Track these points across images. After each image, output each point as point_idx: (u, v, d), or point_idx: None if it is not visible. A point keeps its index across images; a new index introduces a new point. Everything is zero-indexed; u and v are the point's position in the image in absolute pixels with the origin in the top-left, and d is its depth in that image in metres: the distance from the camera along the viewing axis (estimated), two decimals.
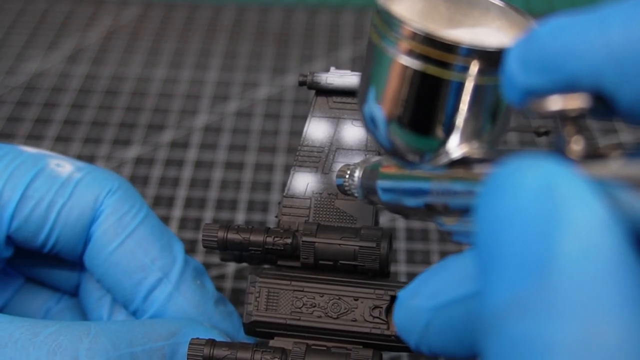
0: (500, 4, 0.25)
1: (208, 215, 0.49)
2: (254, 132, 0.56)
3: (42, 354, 0.28)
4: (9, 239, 0.33)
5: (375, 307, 0.31)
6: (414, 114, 0.23)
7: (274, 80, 0.61)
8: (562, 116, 0.18)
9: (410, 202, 0.25)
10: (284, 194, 0.33)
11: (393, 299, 0.31)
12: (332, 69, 0.33)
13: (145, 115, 0.57)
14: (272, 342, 0.31)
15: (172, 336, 0.31)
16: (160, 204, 0.50)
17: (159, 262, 0.33)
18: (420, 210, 0.25)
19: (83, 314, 0.37)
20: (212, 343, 0.30)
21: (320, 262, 0.32)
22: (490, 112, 0.23)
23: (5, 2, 0.70)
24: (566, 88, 0.18)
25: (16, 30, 0.66)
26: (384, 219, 0.49)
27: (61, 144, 0.54)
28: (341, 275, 0.32)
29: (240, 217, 0.49)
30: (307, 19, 0.68)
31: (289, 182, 0.33)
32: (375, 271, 0.31)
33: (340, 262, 0.31)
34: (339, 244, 0.31)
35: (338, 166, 0.33)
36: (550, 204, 0.16)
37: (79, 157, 0.52)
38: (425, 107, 0.23)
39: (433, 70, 0.22)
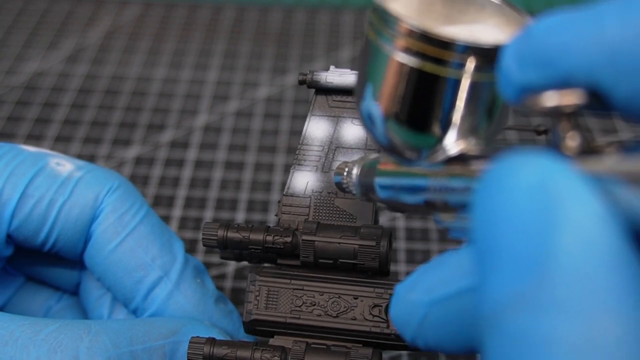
0: (497, 1, 0.25)
1: (208, 215, 0.49)
2: (254, 132, 0.56)
3: (43, 353, 0.28)
4: (10, 238, 0.33)
5: (375, 305, 0.31)
6: (411, 111, 0.24)
7: (274, 80, 0.61)
8: (557, 112, 0.19)
9: (408, 198, 0.25)
10: (284, 192, 0.33)
11: None
12: (332, 67, 0.33)
13: (145, 115, 0.57)
14: (272, 341, 0.31)
15: (172, 335, 0.31)
16: (160, 203, 0.50)
17: (159, 260, 0.33)
18: (418, 207, 0.25)
19: (83, 313, 0.37)
20: (212, 342, 0.30)
21: (320, 260, 0.32)
22: (487, 108, 0.24)
23: (5, 2, 0.70)
24: (561, 84, 0.18)
25: (16, 30, 0.66)
26: (384, 218, 0.49)
27: (61, 144, 0.54)
28: (341, 274, 0.32)
29: (240, 217, 0.49)
30: (307, 19, 0.68)
31: (288, 180, 0.33)
32: (375, 270, 0.31)
33: (340, 260, 0.31)
34: (339, 243, 0.31)
35: (338, 164, 0.33)
36: (546, 199, 0.17)
37: (79, 157, 0.52)
38: (422, 104, 0.23)
39: (430, 67, 0.23)
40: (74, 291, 0.37)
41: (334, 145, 0.34)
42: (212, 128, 0.56)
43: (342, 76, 0.33)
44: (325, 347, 0.31)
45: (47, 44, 0.64)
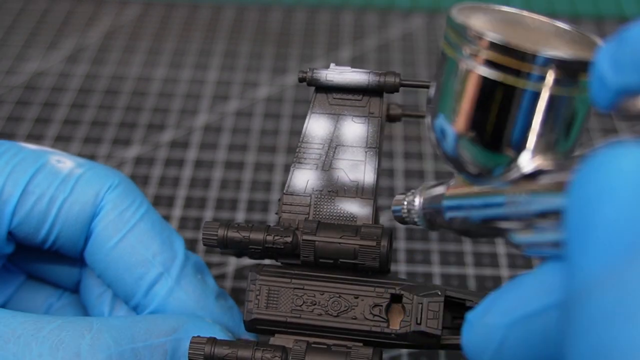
0: (568, 27, 0.25)
1: (208, 214, 0.49)
2: (254, 131, 0.56)
3: (45, 350, 0.28)
4: (10, 235, 0.33)
5: (376, 305, 0.31)
6: (488, 129, 0.24)
7: (274, 80, 0.61)
8: None
9: (482, 218, 0.25)
10: (284, 191, 0.33)
11: (393, 297, 0.31)
12: (332, 65, 0.33)
13: (145, 115, 0.57)
14: (272, 340, 0.31)
15: (173, 332, 0.31)
16: (161, 203, 0.50)
17: (159, 257, 0.33)
18: (492, 226, 0.25)
19: (84, 310, 0.37)
20: (213, 341, 0.30)
21: (321, 260, 0.31)
22: (565, 124, 0.24)
23: (5, 2, 0.70)
24: None
25: (16, 30, 0.66)
26: (384, 218, 0.49)
27: (61, 144, 0.54)
28: (342, 273, 0.31)
29: (240, 217, 0.49)
30: (307, 19, 0.68)
31: (289, 179, 0.33)
32: (375, 269, 0.31)
33: (341, 260, 0.31)
34: (339, 243, 0.31)
35: (338, 163, 0.33)
36: None
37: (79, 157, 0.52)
38: (500, 120, 0.23)
39: (511, 80, 0.23)
40: (75, 289, 0.37)
41: (334, 143, 0.33)
42: (212, 128, 0.56)
43: (343, 74, 0.33)
44: (325, 346, 0.31)
45: (47, 44, 0.64)
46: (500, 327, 0.21)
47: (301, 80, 0.33)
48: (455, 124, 0.24)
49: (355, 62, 0.63)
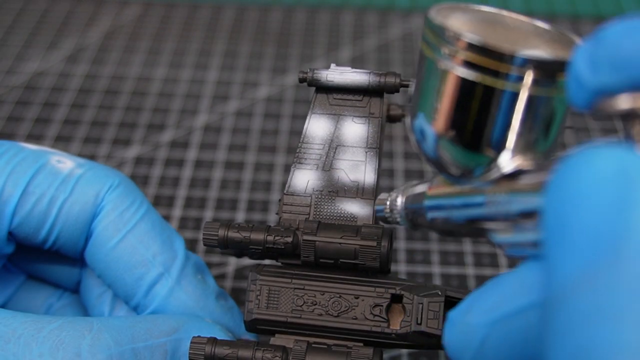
0: (548, 27, 0.25)
1: (208, 214, 0.49)
2: (254, 132, 0.56)
3: (45, 350, 0.28)
4: (11, 235, 0.33)
5: (376, 305, 0.31)
6: (467, 130, 0.24)
7: (274, 80, 0.61)
8: (631, 115, 0.19)
9: (463, 218, 0.25)
10: (285, 191, 0.33)
11: (393, 297, 0.31)
12: (333, 65, 0.33)
13: (145, 115, 0.57)
14: (272, 340, 0.31)
15: (174, 332, 0.31)
16: (161, 203, 0.50)
17: (160, 257, 0.33)
18: (473, 226, 0.25)
19: (84, 311, 0.37)
20: (213, 341, 0.30)
21: (321, 260, 0.31)
22: (545, 124, 0.24)
23: (5, 2, 0.70)
24: (637, 86, 0.19)
25: (16, 30, 0.66)
26: None
27: (61, 144, 0.54)
28: (342, 273, 0.31)
29: (240, 217, 0.49)
30: (307, 19, 0.68)
31: (289, 179, 0.33)
32: (376, 269, 0.31)
33: (341, 260, 0.31)
34: (340, 243, 0.31)
35: (339, 163, 0.33)
36: (626, 185, 0.17)
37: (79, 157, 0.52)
38: (478, 120, 0.23)
39: (489, 80, 0.23)
40: (75, 289, 0.37)
41: (334, 144, 0.33)
42: (212, 128, 0.56)
43: (343, 74, 0.33)
44: (326, 346, 0.31)
45: (47, 44, 0.64)
46: (481, 326, 0.21)
47: (302, 80, 0.33)
48: (434, 124, 0.24)
49: (355, 62, 0.63)
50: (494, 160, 0.24)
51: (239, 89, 0.60)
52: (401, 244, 0.47)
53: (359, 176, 0.33)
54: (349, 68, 0.33)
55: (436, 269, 0.45)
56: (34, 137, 0.54)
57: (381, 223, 0.32)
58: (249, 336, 0.34)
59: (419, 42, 0.26)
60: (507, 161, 0.24)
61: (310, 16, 0.69)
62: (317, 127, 0.34)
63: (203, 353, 0.30)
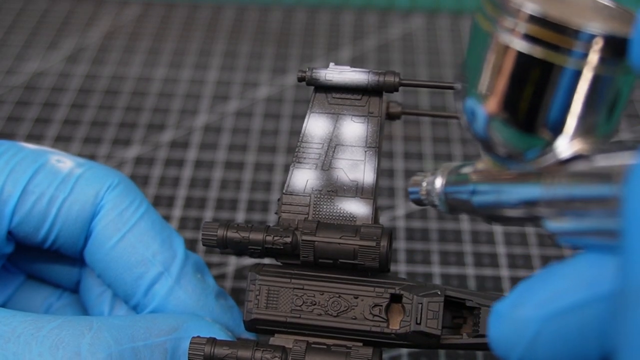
0: (608, 2, 0.23)
1: (208, 214, 0.49)
2: (254, 132, 0.56)
3: (45, 349, 0.28)
4: (10, 235, 0.33)
5: (375, 305, 0.31)
6: (523, 110, 0.22)
7: (274, 80, 0.61)
8: None
9: (515, 203, 0.23)
10: (284, 191, 0.33)
11: (393, 297, 0.31)
12: (332, 64, 0.33)
13: (145, 115, 0.57)
14: (272, 340, 0.31)
15: (174, 331, 0.31)
16: (161, 203, 0.50)
17: (159, 256, 0.33)
18: (525, 212, 0.23)
19: (84, 310, 0.37)
20: (212, 342, 0.30)
21: (320, 260, 0.31)
22: (607, 106, 0.22)
23: (5, 2, 0.70)
24: None
25: (16, 30, 0.66)
26: (384, 218, 0.49)
27: (61, 144, 0.54)
28: (341, 273, 0.31)
29: (240, 217, 0.49)
30: (307, 19, 0.68)
31: (288, 178, 0.33)
32: (375, 270, 0.31)
33: (340, 260, 0.31)
34: (339, 243, 0.31)
35: (338, 162, 0.33)
36: None
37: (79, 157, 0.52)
38: (536, 100, 0.22)
39: (552, 56, 0.21)
40: (74, 289, 0.37)
41: (333, 143, 0.33)
42: (212, 128, 0.56)
43: (342, 73, 0.33)
44: (325, 346, 0.31)
45: (47, 44, 0.64)
46: (534, 321, 0.20)
47: (300, 79, 0.33)
48: (487, 104, 0.23)
49: (355, 62, 0.63)
50: (550, 143, 0.22)
51: (239, 89, 0.60)
52: (401, 244, 0.47)
53: (358, 175, 0.33)
54: (348, 67, 0.33)
55: (436, 269, 0.45)
56: (34, 137, 0.54)
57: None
58: (249, 336, 0.34)
59: (474, 16, 0.24)
60: (565, 145, 0.22)
61: (310, 16, 0.69)
62: (316, 126, 0.34)
63: (202, 353, 0.30)
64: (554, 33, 0.21)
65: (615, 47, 0.21)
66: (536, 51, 0.21)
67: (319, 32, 0.67)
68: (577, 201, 0.21)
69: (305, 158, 0.33)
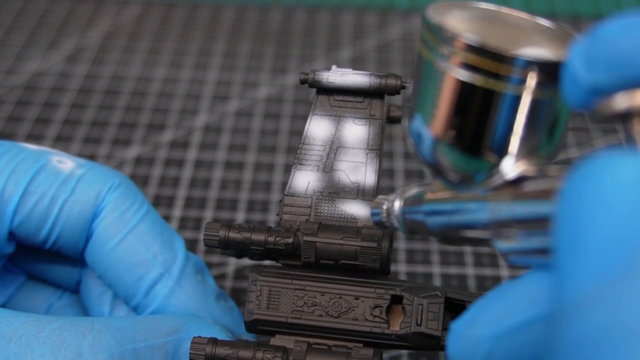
0: (549, 24, 0.24)
1: (208, 215, 0.49)
2: (254, 132, 0.56)
3: (46, 350, 0.28)
4: (11, 235, 0.33)
5: (376, 306, 0.31)
6: (467, 134, 0.23)
7: (274, 80, 0.61)
8: (629, 115, 0.18)
9: (464, 225, 0.24)
10: (285, 192, 0.33)
11: (393, 298, 0.31)
12: (334, 67, 0.33)
13: (145, 115, 0.57)
14: (273, 340, 0.31)
15: (174, 332, 0.31)
16: (161, 203, 0.50)
17: (160, 257, 0.33)
18: (475, 234, 0.24)
19: (84, 311, 0.37)
20: (214, 342, 0.30)
21: (321, 261, 0.32)
22: (549, 127, 0.23)
23: (5, 2, 0.70)
24: (633, 85, 0.18)
25: (16, 30, 0.66)
26: None
27: (61, 144, 0.54)
28: (342, 274, 0.32)
29: (240, 217, 0.49)
30: (307, 19, 0.68)
31: (290, 180, 0.33)
32: (376, 270, 0.31)
33: (341, 261, 0.31)
34: (340, 244, 0.31)
35: (339, 164, 0.33)
36: None
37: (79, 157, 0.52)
38: (478, 125, 0.22)
39: (490, 83, 0.22)
40: (75, 289, 0.37)
41: (335, 145, 0.33)
42: (212, 128, 0.56)
43: (344, 76, 0.33)
44: (326, 347, 0.31)
45: (47, 44, 0.64)
46: (486, 339, 0.21)
47: (303, 82, 0.33)
48: (432, 128, 0.23)
49: (355, 62, 0.63)
50: (495, 165, 0.23)
51: (239, 89, 0.60)
52: (401, 244, 0.47)
53: (359, 177, 0.33)
54: (350, 70, 0.33)
55: (436, 269, 0.45)
56: (34, 137, 0.54)
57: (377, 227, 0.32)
58: (249, 336, 0.34)
59: (417, 43, 0.24)
60: (511, 167, 0.22)
61: (310, 16, 0.69)
62: (318, 128, 0.34)
63: (204, 353, 0.30)
64: (491, 61, 0.21)
65: (551, 72, 0.21)
66: (475, 79, 0.22)
67: (319, 32, 0.67)
68: (521, 221, 0.21)
69: (307, 160, 0.33)
